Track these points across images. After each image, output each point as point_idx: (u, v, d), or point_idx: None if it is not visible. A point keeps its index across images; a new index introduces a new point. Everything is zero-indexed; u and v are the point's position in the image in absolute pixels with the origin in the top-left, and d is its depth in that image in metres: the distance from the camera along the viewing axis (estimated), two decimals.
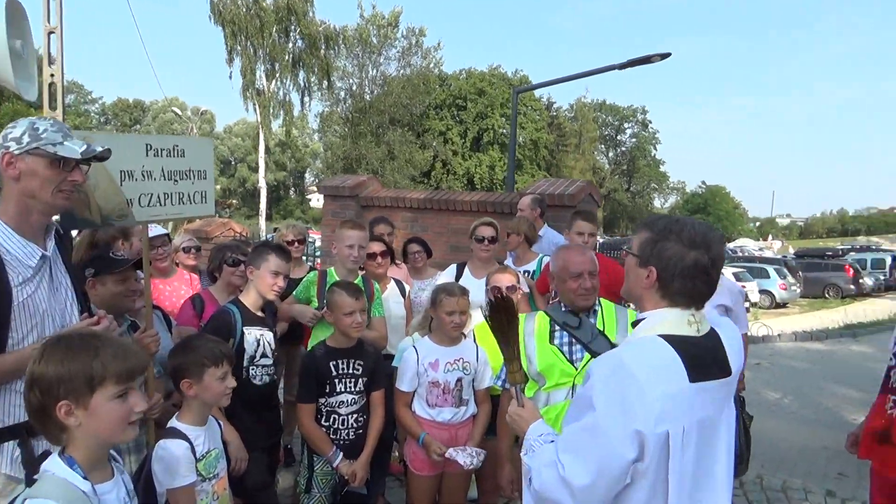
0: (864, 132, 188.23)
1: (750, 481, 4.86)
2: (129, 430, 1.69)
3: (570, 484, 1.58)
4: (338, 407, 3.21)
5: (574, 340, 2.75)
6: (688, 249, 1.66)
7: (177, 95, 60.54)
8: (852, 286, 24.05)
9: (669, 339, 1.64)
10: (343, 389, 3.22)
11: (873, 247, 41.67)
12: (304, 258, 5.51)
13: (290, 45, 27.96)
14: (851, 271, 24.52)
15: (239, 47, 26.21)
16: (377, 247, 4.11)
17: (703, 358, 1.65)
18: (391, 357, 3.70)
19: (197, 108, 50.62)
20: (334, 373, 3.20)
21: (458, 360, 3.28)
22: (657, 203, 67.04)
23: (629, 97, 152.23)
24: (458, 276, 4.24)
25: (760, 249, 45.59)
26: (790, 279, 21.97)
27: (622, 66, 10.58)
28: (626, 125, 64.53)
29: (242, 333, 3.17)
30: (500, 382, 2.96)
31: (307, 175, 66.53)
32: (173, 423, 2.49)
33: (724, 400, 1.72)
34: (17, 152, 2.06)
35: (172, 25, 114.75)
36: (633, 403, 1.55)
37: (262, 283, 3.26)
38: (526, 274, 4.31)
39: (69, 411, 1.60)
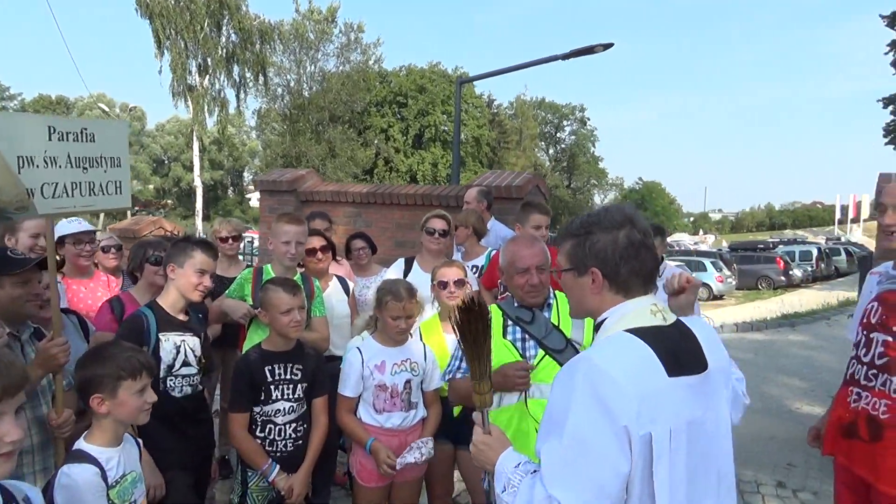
0: (789, 130, 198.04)
1: None
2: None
3: None
4: (274, 416, 2.93)
5: (528, 336, 2.60)
6: (616, 231, 1.60)
7: (104, 92, 57.87)
8: (783, 277, 24.99)
9: (638, 332, 1.52)
10: (280, 396, 2.94)
11: (799, 240, 43.52)
12: (240, 257, 5.19)
13: (224, 39, 27.15)
14: (782, 263, 25.44)
15: (168, 41, 25.16)
16: (317, 242, 3.90)
17: (676, 350, 1.52)
18: (335, 359, 3.46)
19: (126, 104, 48.70)
20: (270, 378, 2.92)
21: (406, 361, 3.07)
22: (597, 199, 68.37)
23: (567, 95, 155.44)
24: (407, 270, 4.05)
25: (696, 244, 47.19)
26: (726, 272, 22.57)
27: (566, 56, 10.67)
28: (565, 123, 65.55)
29: (158, 340, 2.85)
30: (447, 378, 2.77)
31: (246, 174, 64.96)
32: (80, 444, 2.14)
33: (708, 398, 1.55)
34: None
35: (97, 17, 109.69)
36: (613, 402, 1.38)
37: (184, 283, 2.94)
38: (474, 269, 4.14)
39: None
